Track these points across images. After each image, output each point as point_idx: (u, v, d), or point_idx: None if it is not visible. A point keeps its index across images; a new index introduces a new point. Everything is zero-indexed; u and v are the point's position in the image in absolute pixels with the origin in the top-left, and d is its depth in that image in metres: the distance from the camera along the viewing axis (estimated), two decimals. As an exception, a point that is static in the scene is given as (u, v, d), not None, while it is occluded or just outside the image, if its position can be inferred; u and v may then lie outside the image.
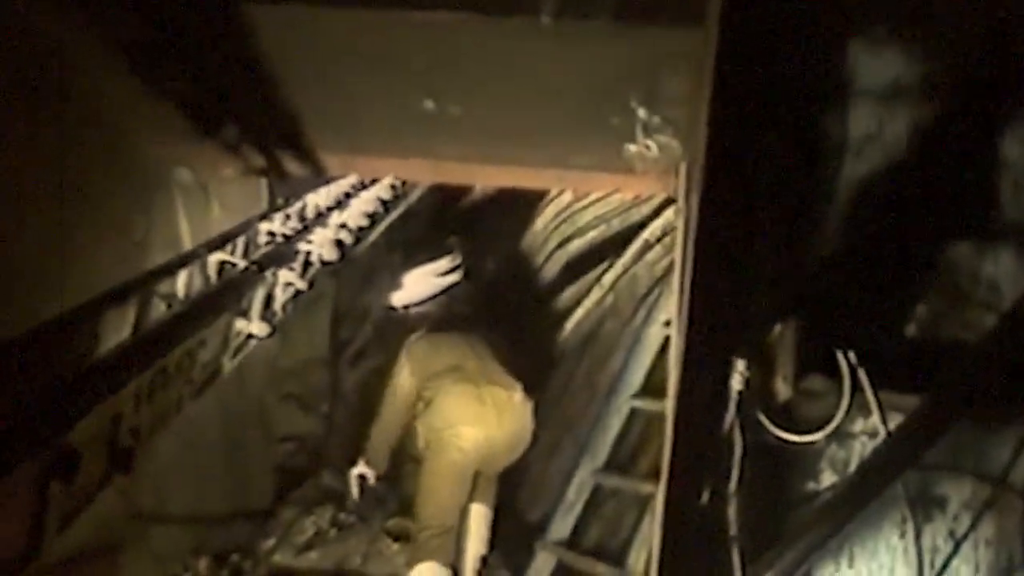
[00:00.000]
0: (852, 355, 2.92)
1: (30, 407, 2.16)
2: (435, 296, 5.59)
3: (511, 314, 5.90)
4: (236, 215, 4.33)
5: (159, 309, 3.12)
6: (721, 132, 2.78)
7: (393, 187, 5.57)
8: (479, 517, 5.06)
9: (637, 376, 5.03)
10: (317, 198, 4.62)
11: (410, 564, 4.76)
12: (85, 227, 3.77)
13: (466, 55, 3.77)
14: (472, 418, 4.87)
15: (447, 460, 4.82)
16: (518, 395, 4.99)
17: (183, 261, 3.37)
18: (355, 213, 4.98)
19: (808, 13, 3.11)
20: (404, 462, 5.42)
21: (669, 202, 5.17)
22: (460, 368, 5.01)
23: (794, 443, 2.93)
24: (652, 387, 4.92)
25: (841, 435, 2.95)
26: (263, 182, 4.90)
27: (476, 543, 5.02)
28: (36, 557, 2.08)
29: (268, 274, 3.49)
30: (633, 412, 4.95)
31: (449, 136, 3.98)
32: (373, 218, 5.25)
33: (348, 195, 4.99)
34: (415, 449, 5.09)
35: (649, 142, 3.79)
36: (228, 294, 3.24)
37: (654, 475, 4.07)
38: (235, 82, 3.95)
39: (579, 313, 5.78)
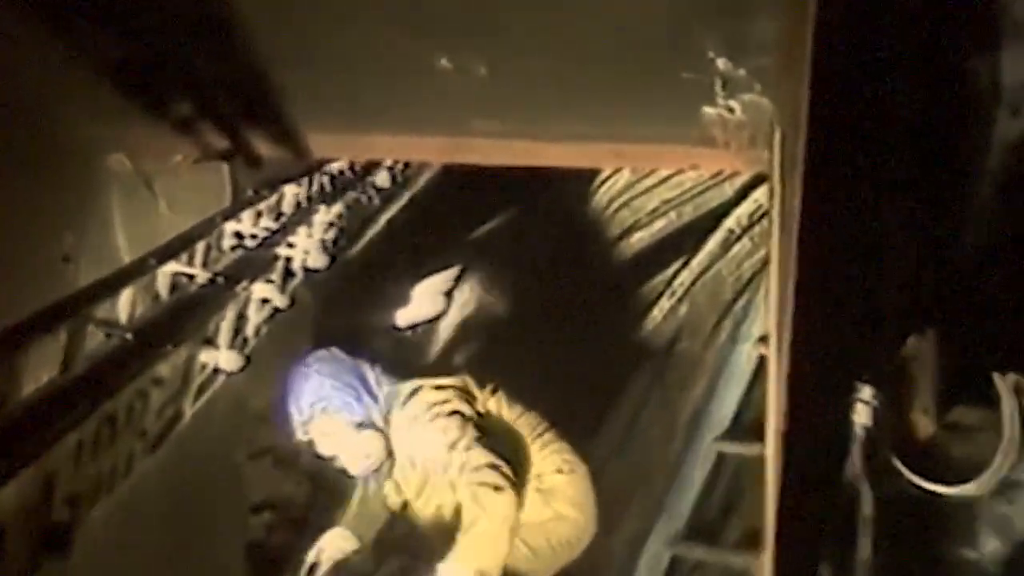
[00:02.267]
0: (1013, 378, 2.90)
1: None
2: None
3: (555, 337, 5.89)
4: (191, 214, 4.35)
5: (96, 340, 3.14)
6: (830, 86, 2.78)
7: (393, 172, 5.61)
8: None
9: (725, 410, 5.03)
10: (297, 189, 4.65)
11: None
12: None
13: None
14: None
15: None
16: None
17: (124, 276, 3.39)
18: (346, 207, 5.02)
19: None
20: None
21: (760, 180, 5.17)
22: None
23: (941, 495, 2.91)
24: (745, 425, 4.91)
25: (1004, 485, 2.92)
26: (225, 170, 4.91)
27: None
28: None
29: (238, 289, 3.51)
30: (721, 458, 4.95)
31: (470, 103, 3.99)
32: (368, 213, 5.29)
33: (336, 184, 5.02)
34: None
35: (732, 102, 3.79)
36: (186, 317, 3.27)
37: (751, 543, 4.06)
38: (184, 40, 3.97)
39: (646, 328, 5.78)
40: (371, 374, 4.22)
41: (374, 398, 4.17)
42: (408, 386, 4.24)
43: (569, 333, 5.87)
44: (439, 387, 4.26)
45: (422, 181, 5.95)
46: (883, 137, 2.97)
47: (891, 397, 2.91)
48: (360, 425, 4.12)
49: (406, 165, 5.77)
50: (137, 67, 3.97)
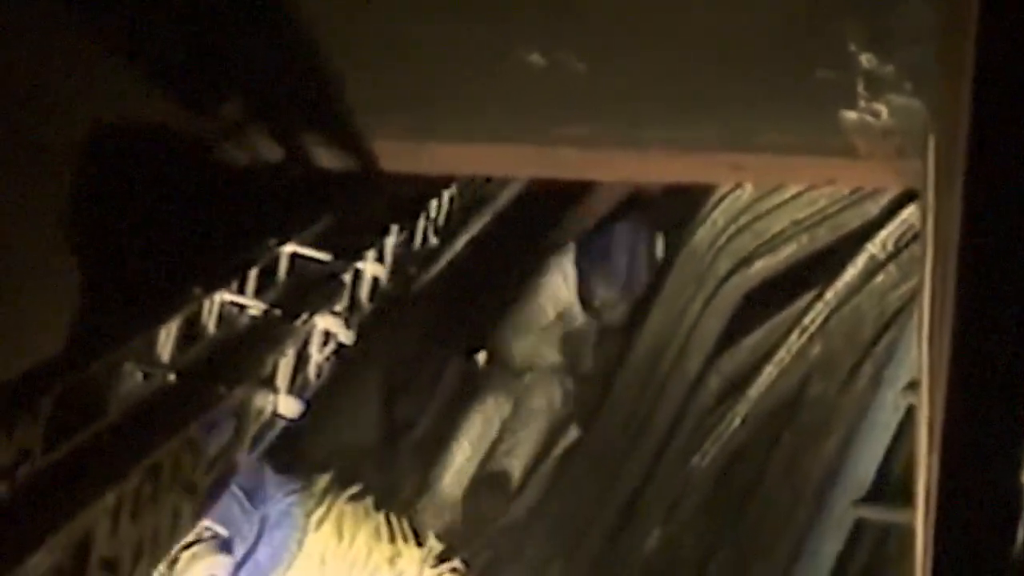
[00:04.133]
0: None
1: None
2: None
3: (662, 371, 5.94)
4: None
5: (134, 380, 3.19)
6: (997, 85, 2.77)
7: (473, 186, 5.66)
8: None
9: (864, 469, 5.01)
10: (363, 206, 4.70)
11: None
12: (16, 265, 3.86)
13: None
14: None
15: None
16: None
17: (165, 308, 3.43)
18: (420, 227, 5.07)
19: None
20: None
21: (910, 198, 5.15)
22: None
23: None
24: (889, 487, 4.90)
25: None
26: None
27: None
28: None
29: (297, 322, 3.55)
30: (860, 525, 4.93)
31: (566, 106, 4.01)
32: (446, 234, 5.33)
33: (407, 201, 5.07)
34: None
35: (877, 105, 3.79)
36: (238, 354, 3.31)
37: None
38: (234, 24, 4.02)
39: (769, 371, 5.78)
40: None
41: None
42: None
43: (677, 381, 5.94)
44: None
45: (503, 199, 5.99)
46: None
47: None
48: None
49: (487, 179, 5.81)
50: (180, 60, 4.04)
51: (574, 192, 6.27)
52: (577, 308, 6.23)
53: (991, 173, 2.76)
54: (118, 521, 2.53)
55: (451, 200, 5.48)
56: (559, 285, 6.23)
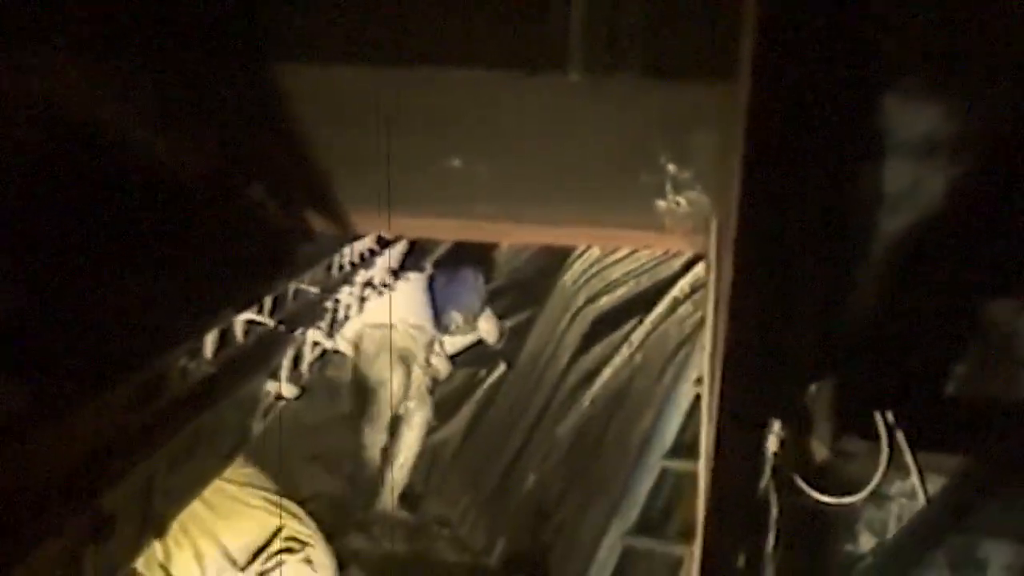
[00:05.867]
0: (889, 415, 2.94)
1: (65, 469, 2.21)
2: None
3: (540, 367, 5.97)
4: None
5: (187, 372, 3.16)
6: (753, 187, 2.83)
7: (413, 244, 5.67)
8: None
9: (668, 435, 5.05)
10: (342, 257, 4.69)
11: None
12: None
13: (493, 113, 3.83)
14: None
15: None
16: None
17: (211, 322, 3.41)
18: (379, 270, 5.07)
19: (840, 65, 3.15)
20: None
21: (699, 259, 5.20)
22: None
23: (831, 505, 2.95)
24: (683, 446, 4.94)
25: (879, 497, 2.96)
26: (288, 241, 4.95)
27: None
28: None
29: (296, 334, 3.54)
30: (664, 472, 4.97)
31: (477, 194, 4.02)
32: (398, 275, 5.34)
33: (371, 252, 5.06)
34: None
35: (679, 198, 3.82)
36: (256, 355, 3.30)
37: (687, 537, 4.07)
38: (260, 141, 4.00)
39: (608, 371, 5.81)
40: None
41: None
42: None
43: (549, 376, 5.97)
44: None
45: (438, 252, 6.02)
46: (793, 227, 3.02)
47: (795, 429, 2.95)
48: None
49: (425, 240, 5.83)
50: (220, 153, 3.98)
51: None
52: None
53: (750, 245, 2.82)
54: (173, 465, 2.53)
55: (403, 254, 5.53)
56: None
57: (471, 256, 6.20)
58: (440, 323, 6.02)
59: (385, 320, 5.67)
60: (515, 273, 6.58)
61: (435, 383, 6.10)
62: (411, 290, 5.82)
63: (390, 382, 5.70)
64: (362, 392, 5.79)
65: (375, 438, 5.75)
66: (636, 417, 5.37)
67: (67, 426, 2.55)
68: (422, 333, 5.90)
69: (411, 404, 5.86)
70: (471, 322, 6.15)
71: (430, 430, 5.96)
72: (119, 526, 2.24)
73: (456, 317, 6.07)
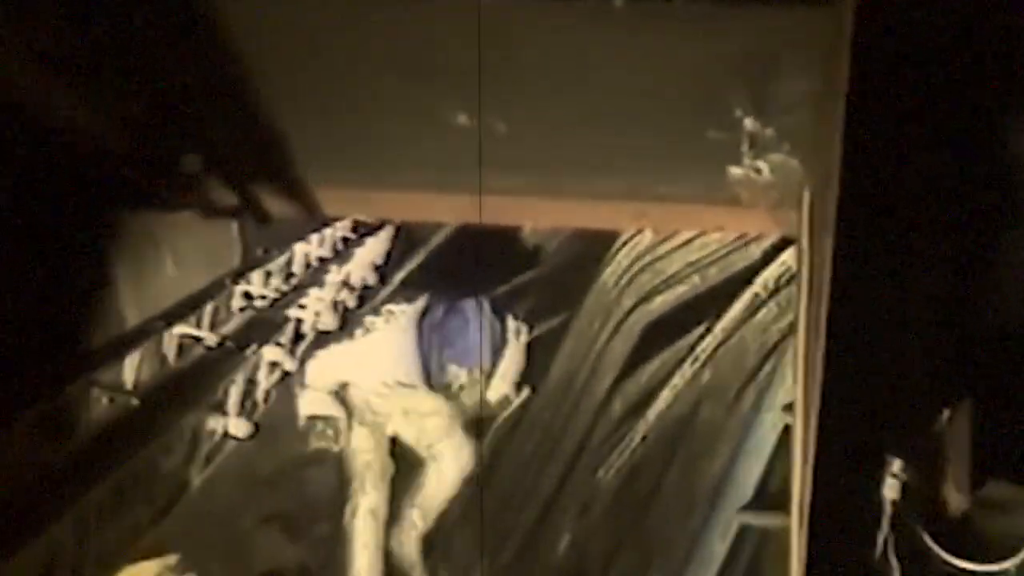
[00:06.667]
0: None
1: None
2: None
3: (575, 393, 5.94)
4: (198, 273, 4.37)
5: (100, 405, 3.15)
6: (861, 146, 2.80)
7: (407, 230, 5.66)
8: None
9: (748, 481, 5.03)
10: (308, 248, 4.67)
11: None
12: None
13: (513, 52, 3.79)
14: None
15: None
16: None
17: (130, 339, 3.41)
18: (359, 266, 5.05)
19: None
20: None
21: (787, 243, 5.18)
22: None
23: (971, 573, 2.91)
24: (768, 495, 4.92)
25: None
26: (234, 227, 4.94)
27: None
28: None
29: (248, 352, 3.53)
30: (743, 530, 4.95)
31: (490, 162, 4.00)
32: (383, 272, 5.32)
33: (348, 242, 5.05)
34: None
35: (759, 163, 3.81)
36: (195, 381, 3.29)
37: (776, 619, 4.05)
38: (197, 94, 3.99)
39: (666, 395, 5.79)
40: None
41: None
42: None
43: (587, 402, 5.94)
44: None
45: (436, 241, 5.99)
46: (917, 204, 2.99)
47: (922, 471, 2.92)
48: None
49: (420, 224, 5.81)
50: (149, 117, 3.99)
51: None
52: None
53: (857, 224, 2.79)
54: (84, 533, 2.51)
55: (390, 243, 5.50)
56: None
57: (478, 254, 6.17)
58: (431, 379, 5.82)
59: (361, 376, 5.69)
60: (541, 267, 6.56)
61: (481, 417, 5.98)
62: (397, 333, 5.69)
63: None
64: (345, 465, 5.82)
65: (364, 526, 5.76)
66: (704, 457, 5.35)
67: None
68: (411, 393, 5.82)
69: (439, 446, 5.82)
70: (481, 376, 5.90)
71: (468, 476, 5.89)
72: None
73: (455, 373, 5.89)
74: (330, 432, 5.77)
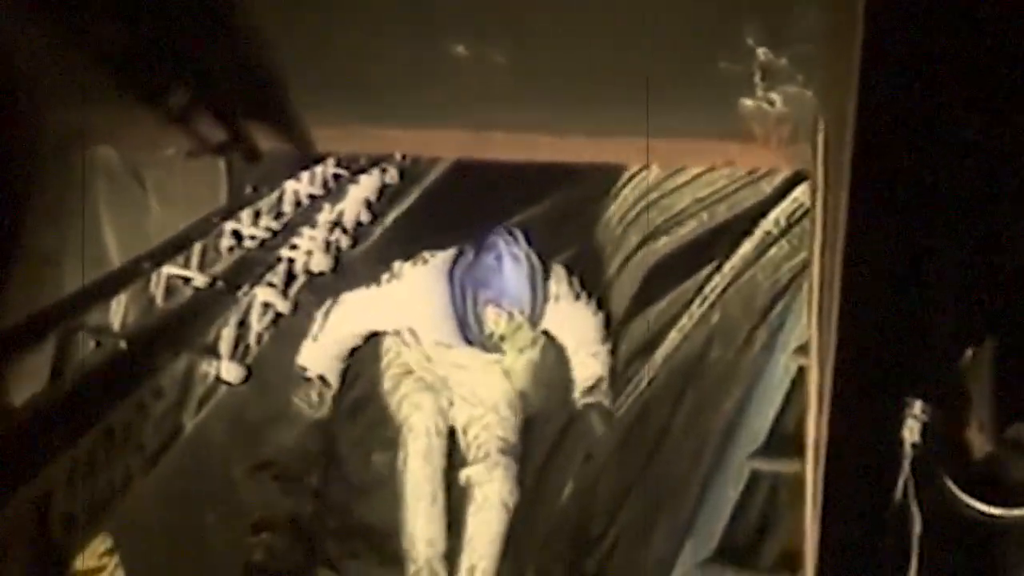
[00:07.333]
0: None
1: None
2: None
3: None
4: (184, 212, 4.37)
5: (87, 349, 3.16)
6: (879, 76, 2.79)
7: (402, 166, 5.64)
8: None
9: (760, 425, 5.04)
10: (299, 185, 4.67)
11: None
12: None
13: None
14: None
15: None
16: None
17: (116, 280, 3.41)
18: (352, 204, 5.05)
19: None
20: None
21: (800, 178, 5.18)
22: None
23: (997, 518, 2.92)
24: (781, 440, 4.93)
25: (1069, 509, 2.94)
26: (221, 165, 4.93)
27: None
28: None
29: (239, 294, 3.54)
30: (755, 476, 4.97)
31: (487, 94, 4.00)
32: (374, 210, 5.31)
33: (341, 180, 5.05)
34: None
35: (772, 94, 3.81)
36: (184, 324, 3.29)
37: (788, 567, 4.07)
38: (181, 24, 3.98)
39: (673, 337, 5.80)
40: None
41: None
42: None
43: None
44: None
45: (433, 176, 5.98)
46: (937, 136, 2.98)
47: (944, 412, 2.93)
48: None
49: (415, 160, 5.80)
50: (129, 52, 3.98)
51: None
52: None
53: (875, 156, 2.79)
54: (75, 479, 2.52)
55: (381, 179, 5.48)
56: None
57: (476, 191, 6.13)
58: (465, 329, 5.29)
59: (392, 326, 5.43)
60: (542, 204, 6.56)
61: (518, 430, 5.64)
62: (431, 283, 5.29)
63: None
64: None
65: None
66: (714, 401, 5.36)
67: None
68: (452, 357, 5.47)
69: (473, 472, 5.40)
70: (522, 321, 5.36)
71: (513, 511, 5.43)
72: (3, 566, 2.23)
73: (492, 315, 5.29)
74: (314, 397, 5.55)
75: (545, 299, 5.39)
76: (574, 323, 5.61)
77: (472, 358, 5.41)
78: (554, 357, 5.72)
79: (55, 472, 2.46)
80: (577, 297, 5.56)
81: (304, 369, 5.45)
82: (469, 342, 5.27)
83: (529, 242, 5.44)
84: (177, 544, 5.02)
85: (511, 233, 5.41)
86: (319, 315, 5.31)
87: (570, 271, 5.63)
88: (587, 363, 5.67)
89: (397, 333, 5.51)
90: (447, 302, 5.18)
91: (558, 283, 5.50)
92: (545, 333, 5.60)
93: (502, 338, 5.29)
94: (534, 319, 5.37)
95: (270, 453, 5.81)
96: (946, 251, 3.04)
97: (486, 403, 5.47)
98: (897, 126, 2.86)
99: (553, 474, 5.74)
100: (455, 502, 5.38)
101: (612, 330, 5.89)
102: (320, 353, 5.43)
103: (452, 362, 5.45)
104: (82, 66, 3.91)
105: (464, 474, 5.38)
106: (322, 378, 5.48)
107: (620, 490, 5.24)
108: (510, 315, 5.24)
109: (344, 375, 5.64)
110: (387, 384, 5.54)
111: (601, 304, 5.73)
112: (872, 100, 2.78)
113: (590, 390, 5.66)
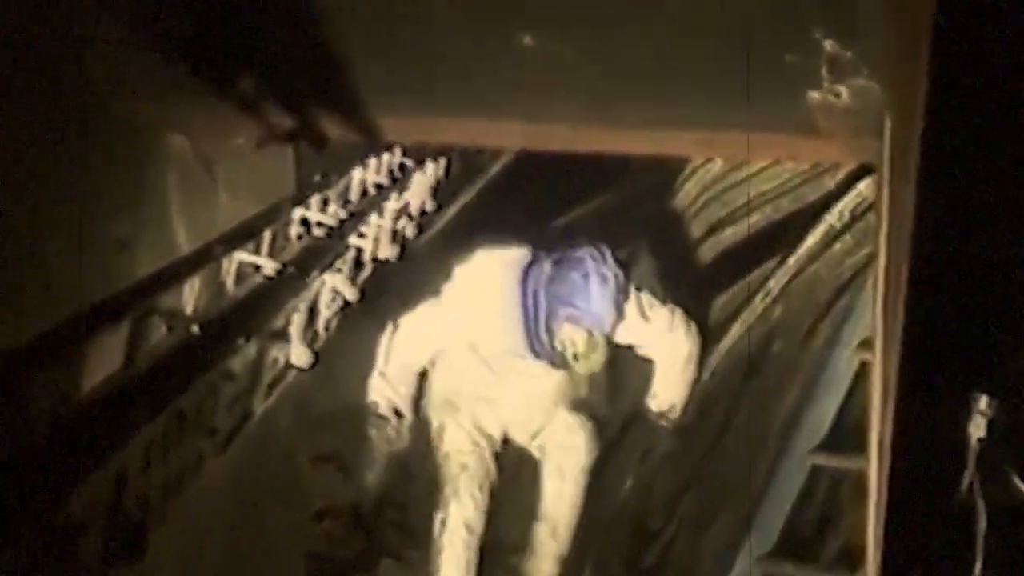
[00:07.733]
0: None
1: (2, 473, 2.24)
2: None
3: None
4: (252, 201, 4.40)
5: (159, 332, 3.20)
6: (949, 69, 2.78)
7: (466, 157, 5.66)
8: None
9: (821, 420, 5.04)
10: (365, 174, 4.70)
11: None
12: (42, 222, 3.83)
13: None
14: None
15: None
16: None
17: (189, 265, 3.45)
18: (417, 193, 5.08)
19: None
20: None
21: (864, 172, 5.17)
22: None
23: (1065, 515, 2.92)
24: (843, 436, 4.92)
25: None
26: (289, 154, 4.95)
27: None
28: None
29: (308, 280, 3.57)
30: (816, 471, 4.96)
31: (554, 86, 4.01)
32: (439, 200, 5.34)
33: (407, 169, 5.07)
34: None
35: (839, 87, 3.79)
36: (255, 309, 3.33)
37: (850, 563, 4.07)
38: (250, 14, 4.01)
39: (735, 330, 5.80)
40: None
41: None
42: None
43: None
44: None
45: (496, 167, 5.99)
46: (1007, 130, 2.97)
47: (1011, 407, 2.92)
48: None
49: (479, 151, 5.81)
50: (198, 40, 4.01)
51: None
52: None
53: (943, 149, 2.78)
54: (149, 460, 2.56)
55: (447, 168, 5.50)
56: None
57: (540, 182, 6.13)
58: (534, 341, 5.15)
59: (455, 341, 5.29)
60: (606, 197, 6.56)
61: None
62: (499, 288, 5.14)
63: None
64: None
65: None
66: (775, 395, 5.36)
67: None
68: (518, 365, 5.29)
69: (548, 442, 5.38)
70: (600, 341, 5.26)
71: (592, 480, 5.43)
72: (82, 544, 2.27)
73: (569, 332, 5.18)
74: (391, 432, 5.52)
75: (622, 317, 5.30)
76: (663, 342, 5.53)
77: (536, 369, 5.31)
78: (628, 370, 5.74)
79: (130, 453, 2.49)
80: (672, 313, 5.50)
81: (376, 405, 5.44)
82: (536, 354, 5.16)
83: (617, 262, 5.29)
84: (239, 530, 5.05)
85: (599, 250, 5.24)
86: (381, 348, 5.28)
87: (659, 287, 5.62)
88: (671, 384, 5.62)
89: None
90: (517, 313, 5.06)
91: (649, 303, 5.45)
92: (629, 348, 5.58)
93: (575, 356, 5.18)
94: (612, 338, 5.33)
95: (337, 443, 5.84)
96: (1015, 244, 3.03)
97: (548, 413, 5.43)
98: (967, 119, 2.86)
99: (612, 470, 5.74)
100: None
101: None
102: (389, 386, 5.41)
103: (513, 370, 5.36)
104: (154, 56, 3.95)
105: (538, 446, 5.41)
106: (396, 411, 5.47)
107: (680, 483, 5.24)
108: (589, 333, 5.16)
109: (416, 403, 5.60)
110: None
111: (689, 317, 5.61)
112: (942, 92, 2.77)
113: (663, 415, 5.66)
